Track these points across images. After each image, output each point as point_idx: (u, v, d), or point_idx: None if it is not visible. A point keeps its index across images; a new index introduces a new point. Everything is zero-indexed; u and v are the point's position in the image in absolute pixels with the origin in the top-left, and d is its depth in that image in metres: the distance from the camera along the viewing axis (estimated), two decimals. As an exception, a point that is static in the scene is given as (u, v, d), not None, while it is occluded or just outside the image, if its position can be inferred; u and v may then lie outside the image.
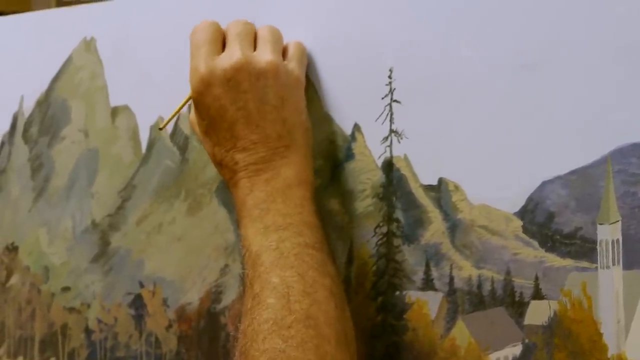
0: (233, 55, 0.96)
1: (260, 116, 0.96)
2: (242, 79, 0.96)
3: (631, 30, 0.81)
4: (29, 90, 1.38)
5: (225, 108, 0.96)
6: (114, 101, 1.27)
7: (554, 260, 0.85)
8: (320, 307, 0.86)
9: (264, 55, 0.97)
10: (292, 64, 1.00)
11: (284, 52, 1.01)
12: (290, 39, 1.05)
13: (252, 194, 0.95)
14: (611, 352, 0.81)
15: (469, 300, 0.91)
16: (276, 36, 1.01)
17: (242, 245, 0.94)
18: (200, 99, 0.97)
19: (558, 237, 0.85)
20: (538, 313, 0.86)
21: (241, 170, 0.96)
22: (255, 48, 0.99)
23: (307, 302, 0.86)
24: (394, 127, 0.96)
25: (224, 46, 0.99)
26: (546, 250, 0.86)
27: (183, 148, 1.03)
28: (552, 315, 0.85)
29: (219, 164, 0.99)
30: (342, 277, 1.00)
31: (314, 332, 0.84)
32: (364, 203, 0.99)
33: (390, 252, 0.97)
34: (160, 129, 1.05)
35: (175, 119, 1.17)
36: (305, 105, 0.99)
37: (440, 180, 0.93)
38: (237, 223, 0.98)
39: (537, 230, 0.86)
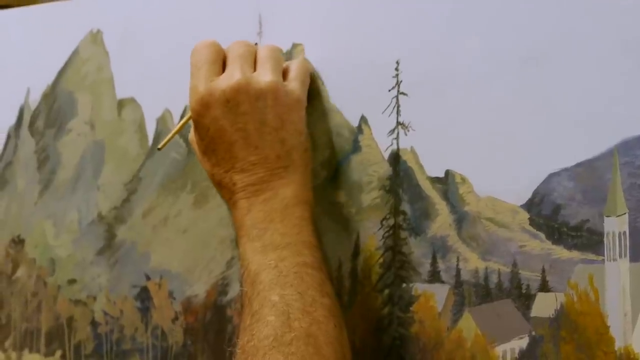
0: (233, 76, 0.96)
1: (259, 137, 0.96)
2: (241, 100, 0.95)
3: (637, 23, 0.81)
4: (35, 83, 1.38)
5: (225, 129, 0.96)
6: (120, 93, 1.27)
7: (560, 252, 0.85)
8: (320, 326, 0.86)
9: (264, 76, 0.97)
10: (293, 84, 0.99)
11: (286, 72, 1.01)
12: (297, 32, 1.05)
13: (250, 214, 0.95)
14: (618, 344, 0.81)
15: (475, 293, 0.91)
16: (276, 56, 1.00)
17: (240, 264, 0.94)
18: (200, 119, 0.97)
19: (565, 229, 0.85)
20: (545, 305, 0.86)
21: (239, 191, 0.96)
22: (255, 68, 0.99)
23: (307, 320, 0.86)
24: (400, 119, 0.96)
25: (224, 66, 0.99)
26: (553, 243, 0.86)
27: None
28: (558, 307, 0.85)
29: (218, 184, 0.99)
30: (349, 270, 1.00)
31: (314, 350, 0.85)
32: (371, 195, 0.99)
33: (397, 244, 0.97)
34: (159, 149, 1.05)
35: (181, 110, 1.18)
36: (305, 126, 0.99)
37: (447, 173, 0.93)
38: (236, 243, 0.98)
39: (543, 223, 0.86)
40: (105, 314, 1.28)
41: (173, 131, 1.05)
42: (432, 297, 0.94)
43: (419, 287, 0.95)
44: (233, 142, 0.96)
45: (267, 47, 1.01)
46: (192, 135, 1.03)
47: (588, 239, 0.83)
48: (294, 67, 1.01)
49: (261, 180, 0.95)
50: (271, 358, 0.84)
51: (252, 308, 0.88)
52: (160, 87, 1.21)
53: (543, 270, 0.86)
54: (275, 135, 0.96)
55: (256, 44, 1.03)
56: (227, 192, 0.98)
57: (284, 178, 0.96)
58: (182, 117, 1.18)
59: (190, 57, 1.00)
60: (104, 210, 1.28)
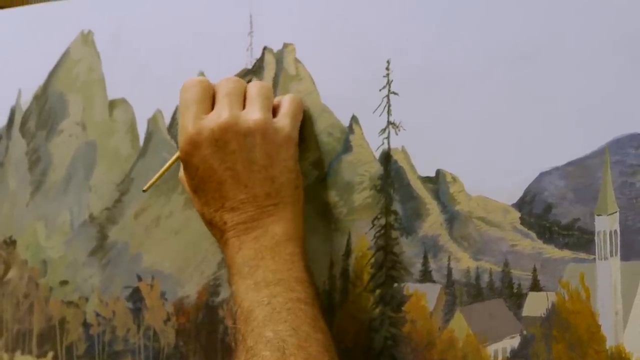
0: (221, 115, 0.96)
1: (249, 176, 0.95)
2: (229, 139, 0.95)
3: (629, 21, 0.81)
4: (26, 84, 1.38)
5: (214, 168, 0.96)
6: (112, 94, 1.27)
7: (552, 251, 0.85)
8: None
9: (252, 115, 0.96)
10: (283, 121, 0.98)
11: (277, 108, 1.00)
12: (287, 32, 1.05)
13: (240, 252, 0.95)
14: (609, 343, 0.81)
15: (467, 292, 0.91)
16: (266, 93, 0.99)
17: (233, 302, 0.94)
18: (189, 159, 0.97)
19: (556, 228, 0.85)
20: (536, 304, 0.86)
21: (230, 229, 0.96)
22: (245, 106, 0.98)
23: (302, 356, 0.86)
24: (391, 119, 0.96)
25: (214, 103, 0.99)
26: (544, 242, 0.86)
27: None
28: (550, 306, 0.85)
29: (209, 224, 0.99)
30: (340, 270, 1.00)
31: None
32: (362, 195, 0.99)
33: (388, 244, 0.97)
34: (144, 190, 1.05)
35: (172, 110, 1.17)
36: (295, 163, 0.98)
37: (438, 172, 0.93)
38: (228, 281, 0.98)
39: (535, 222, 0.86)
40: (97, 315, 1.28)
41: (159, 172, 1.05)
42: (423, 297, 0.94)
43: (410, 287, 0.95)
44: (222, 181, 0.96)
45: (257, 84, 1.00)
46: (181, 173, 1.02)
47: (579, 238, 0.83)
48: (285, 103, 1.01)
49: (251, 219, 0.95)
50: None
51: (247, 344, 0.88)
52: (152, 88, 1.21)
53: (534, 270, 0.86)
54: (265, 174, 0.96)
55: (249, 81, 1.03)
56: (217, 232, 0.98)
57: (273, 215, 0.95)
58: (172, 118, 1.18)
59: (179, 94, 1.00)
60: (96, 211, 1.28)
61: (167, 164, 1.04)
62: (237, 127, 0.95)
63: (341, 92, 1.01)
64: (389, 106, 0.96)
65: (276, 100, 1.01)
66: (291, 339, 0.86)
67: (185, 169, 0.99)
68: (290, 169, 0.97)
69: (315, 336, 0.88)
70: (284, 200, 0.96)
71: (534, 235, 0.86)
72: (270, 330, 0.87)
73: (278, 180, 0.96)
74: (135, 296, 1.23)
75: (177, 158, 1.01)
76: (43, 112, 1.36)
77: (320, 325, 0.90)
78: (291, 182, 0.97)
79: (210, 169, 0.96)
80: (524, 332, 0.87)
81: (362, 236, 0.99)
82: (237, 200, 0.96)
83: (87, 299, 1.29)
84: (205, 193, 0.97)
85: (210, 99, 0.99)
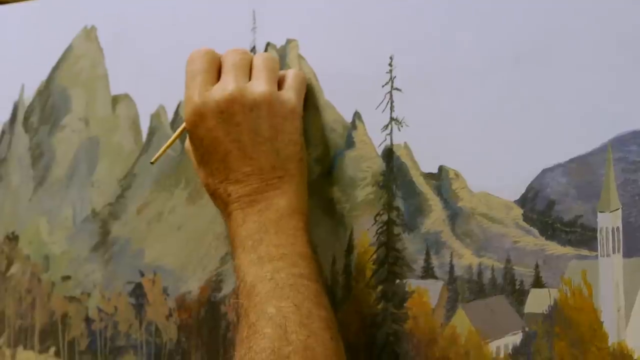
0: (227, 86, 0.96)
1: (254, 148, 0.95)
2: (235, 111, 0.95)
3: (631, 19, 0.81)
4: (29, 79, 1.38)
5: (219, 140, 0.96)
6: (115, 90, 1.27)
7: (554, 248, 0.85)
8: (317, 339, 0.86)
9: (258, 87, 0.96)
10: (288, 94, 0.98)
11: (282, 81, 1.00)
12: (291, 28, 1.05)
13: (244, 225, 0.95)
14: (611, 340, 0.81)
15: (469, 289, 0.91)
16: (272, 66, 0.99)
17: (236, 276, 0.94)
18: (194, 130, 0.97)
19: (558, 225, 0.85)
20: (538, 301, 0.86)
21: (234, 202, 0.96)
22: (250, 78, 0.98)
23: (305, 333, 0.86)
24: (394, 115, 0.96)
25: (219, 75, 0.99)
26: (546, 238, 0.86)
27: (183, 136, 1.02)
28: (552, 303, 0.85)
29: (213, 195, 0.99)
30: (342, 266, 1.00)
31: None
32: (365, 191, 0.99)
33: (390, 240, 0.97)
34: (152, 162, 1.04)
35: (175, 106, 1.17)
36: (300, 136, 0.98)
37: (441, 168, 0.93)
38: (231, 254, 0.98)
39: (537, 218, 0.86)
40: (100, 310, 1.28)
41: (166, 144, 1.04)
42: (425, 293, 0.94)
43: (412, 283, 0.95)
44: (227, 152, 0.96)
45: (262, 55, 1.00)
46: (187, 144, 1.02)
47: (582, 235, 0.83)
48: (290, 76, 1.01)
49: (255, 191, 0.95)
50: None
51: (249, 320, 0.88)
52: (155, 83, 1.21)
53: (537, 266, 0.86)
54: (270, 146, 0.96)
55: (253, 51, 1.03)
56: (221, 203, 0.98)
57: (278, 188, 0.95)
58: (175, 113, 1.18)
59: (185, 65, 0.99)
60: (98, 206, 1.28)
61: (174, 135, 1.03)
62: (243, 99, 0.95)
63: (344, 88, 1.01)
64: (391, 102, 0.96)
65: (280, 74, 1.01)
66: (293, 316, 0.86)
67: (190, 139, 0.99)
68: (295, 141, 0.97)
69: (318, 313, 0.88)
70: (289, 172, 0.96)
71: (536, 231, 0.86)
72: (272, 306, 0.87)
73: (283, 152, 0.96)
74: (138, 292, 1.23)
75: (184, 129, 1.01)
76: (46, 108, 1.36)
77: (322, 301, 0.90)
78: (296, 155, 0.97)
79: (216, 141, 0.96)
80: (526, 329, 0.87)
81: (364, 232, 0.99)
82: (241, 173, 0.96)
83: (89, 295, 1.29)
84: (210, 164, 0.97)
85: (217, 70, 0.99)
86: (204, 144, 0.97)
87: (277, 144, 0.96)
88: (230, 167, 0.96)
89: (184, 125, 1.00)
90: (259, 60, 0.99)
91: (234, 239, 0.95)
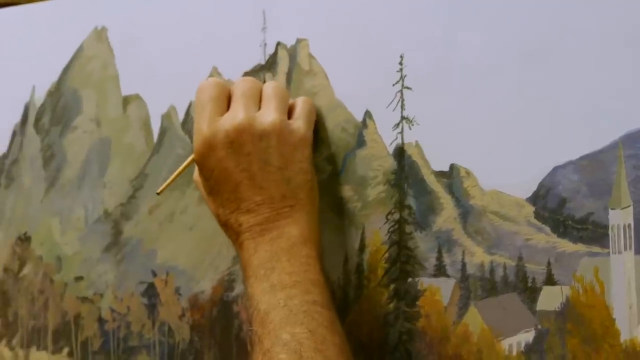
0: (236, 116, 0.95)
1: (264, 177, 0.95)
2: (244, 140, 0.95)
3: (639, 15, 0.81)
4: (40, 80, 1.38)
5: (229, 170, 0.95)
6: (126, 90, 1.27)
7: (566, 245, 0.85)
8: None
9: (267, 116, 0.96)
10: (298, 123, 0.98)
11: (292, 109, 1.00)
12: (301, 28, 1.05)
13: (256, 254, 0.94)
14: (624, 337, 0.81)
15: (481, 286, 0.91)
16: (281, 94, 0.99)
17: (249, 305, 0.93)
18: (204, 161, 0.97)
19: (570, 222, 0.85)
20: (550, 298, 0.86)
21: (245, 231, 0.96)
22: (260, 106, 0.98)
23: (319, 358, 0.85)
24: (405, 113, 0.96)
25: (229, 103, 0.98)
26: (558, 236, 0.86)
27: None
28: (564, 300, 0.85)
29: (224, 225, 0.99)
30: (354, 265, 1.00)
31: None
32: (376, 190, 0.99)
33: (402, 238, 0.97)
34: (158, 193, 1.04)
35: (186, 106, 1.18)
36: (310, 164, 0.98)
37: (452, 167, 0.93)
38: (244, 283, 0.98)
39: (549, 216, 0.86)
40: (112, 310, 1.28)
41: (173, 175, 1.04)
42: (438, 292, 0.94)
43: (424, 282, 0.95)
44: (238, 182, 0.95)
45: (272, 84, 1.00)
46: (196, 175, 1.02)
47: (593, 232, 0.83)
48: (299, 105, 1.00)
49: (267, 220, 0.95)
50: None
51: (264, 346, 0.88)
52: (165, 84, 1.21)
53: (548, 264, 0.86)
54: (280, 175, 0.95)
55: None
56: (233, 233, 0.98)
57: (290, 217, 0.95)
58: (186, 114, 1.18)
59: (195, 95, 0.99)
60: (110, 207, 1.29)
61: (181, 167, 1.03)
62: (253, 128, 0.95)
63: (355, 87, 1.01)
64: (402, 101, 0.96)
65: (290, 102, 1.01)
66: (308, 342, 0.86)
67: (200, 171, 0.99)
68: (305, 170, 0.97)
69: (332, 339, 0.88)
70: (300, 201, 0.96)
71: (548, 229, 0.86)
72: (287, 332, 0.87)
73: (294, 181, 0.96)
74: (150, 292, 1.24)
75: (192, 160, 1.01)
76: (57, 109, 1.36)
77: (336, 328, 0.90)
78: (307, 184, 0.97)
79: (226, 171, 0.96)
80: (539, 326, 0.87)
81: (376, 231, 0.99)
82: (252, 202, 0.95)
83: (101, 295, 1.29)
84: (220, 195, 0.97)
85: (226, 100, 0.99)
86: (214, 175, 0.97)
87: (287, 173, 0.96)
88: (241, 197, 0.96)
89: (192, 156, 1.00)
90: (268, 89, 0.99)
91: (247, 268, 0.95)
